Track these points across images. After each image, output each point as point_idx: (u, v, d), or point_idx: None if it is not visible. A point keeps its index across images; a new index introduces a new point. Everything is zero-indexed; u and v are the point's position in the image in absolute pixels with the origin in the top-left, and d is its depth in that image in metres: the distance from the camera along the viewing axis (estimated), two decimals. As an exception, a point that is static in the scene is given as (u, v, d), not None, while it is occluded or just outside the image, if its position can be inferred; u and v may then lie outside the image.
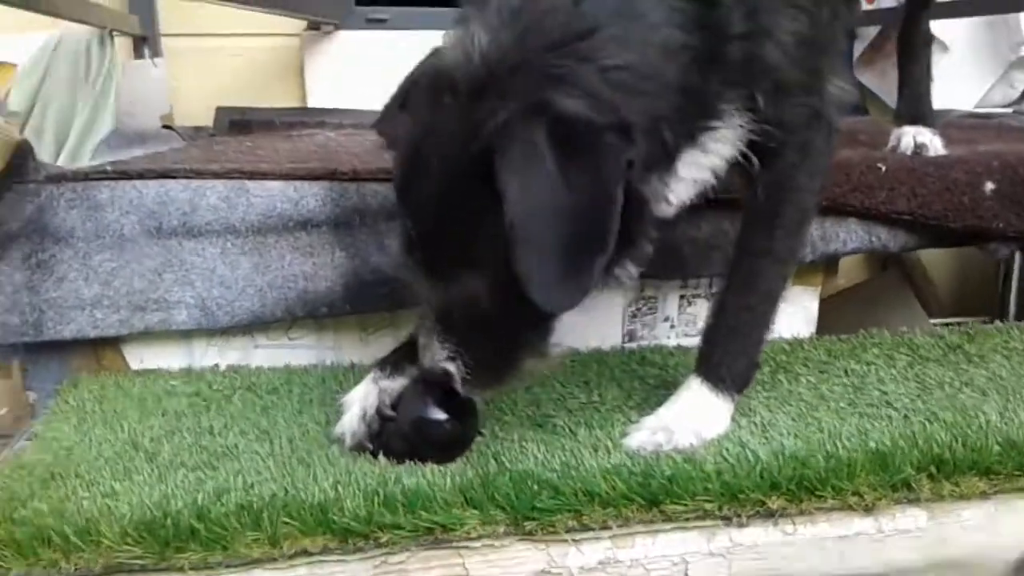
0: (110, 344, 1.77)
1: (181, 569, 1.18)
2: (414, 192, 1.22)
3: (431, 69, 1.24)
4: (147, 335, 1.75)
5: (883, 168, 1.90)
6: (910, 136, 2.04)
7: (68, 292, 1.67)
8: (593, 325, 1.88)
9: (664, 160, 1.24)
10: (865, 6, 3.58)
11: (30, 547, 1.16)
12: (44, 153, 2.72)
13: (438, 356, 1.28)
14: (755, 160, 1.35)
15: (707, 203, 1.71)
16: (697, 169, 1.32)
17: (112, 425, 1.51)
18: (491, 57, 1.16)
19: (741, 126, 1.32)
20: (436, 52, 1.26)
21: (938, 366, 1.73)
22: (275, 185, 1.77)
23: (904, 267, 3.24)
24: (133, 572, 1.18)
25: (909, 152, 2.01)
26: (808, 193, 1.43)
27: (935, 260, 3.28)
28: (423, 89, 1.23)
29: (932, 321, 2.83)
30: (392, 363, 1.44)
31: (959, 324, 2.13)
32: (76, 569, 1.16)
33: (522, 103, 1.11)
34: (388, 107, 1.34)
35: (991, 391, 1.59)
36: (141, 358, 1.78)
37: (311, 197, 1.76)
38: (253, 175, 1.78)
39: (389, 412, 1.38)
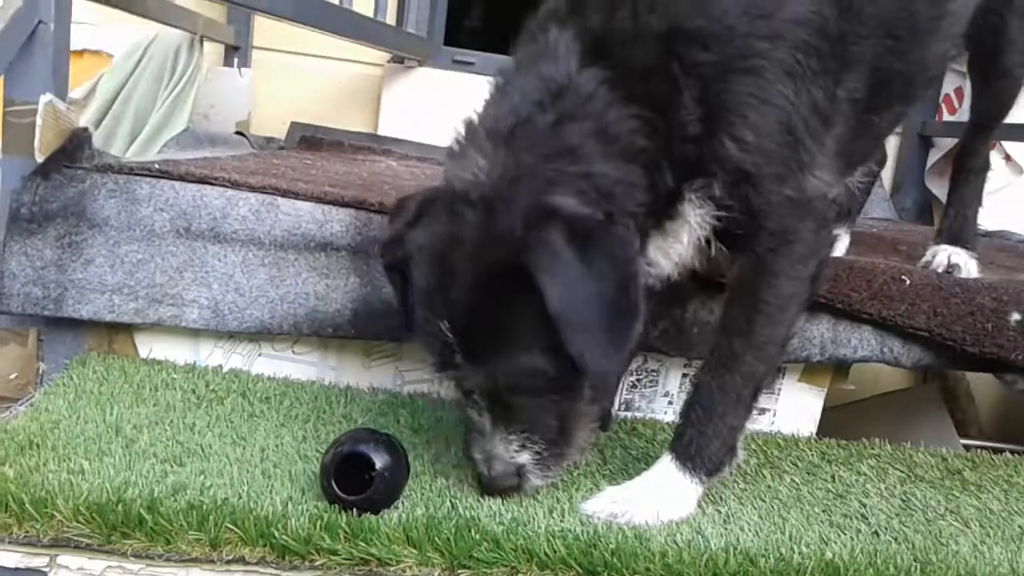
0: (124, 330, 1.85)
1: (123, 554, 1.23)
2: (446, 295, 1.34)
3: (443, 191, 1.39)
4: (159, 327, 1.82)
5: (907, 281, 1.87)
6: (945, 254, 2.01)
7: (92, 275, 1.76)
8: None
9: (641, 244, 1.40)
10: (947, 116, 3.56)
11: (-13, 508, 1.22)
12: (119, 140, 2.86)
13: (509, 452, 1.41)
14: (716, 244, 1.44)
15: (720, 289, 1.74)
16: (663, 250, 1.46)
17: (103, 407, 1.59)
18: (494, 173, 1.34)
19: (701, 213, 1.40)
20: (445, 180, 1.42)
21: (929, 488, 1.69)
22: (304, 206, 1.84)
23: (946, 382, 3.15)
24: (78, 549, 1.23)
25: (940, 270, 1.98)
26: (790, 280, 1.43)
27: (982, 379, 3.17)
28: (441, 206, 1.38)
29: (965, 443, 2.74)
30: None
31: (994, 450, 2.07)
32: (25, 536, 1.22)
33: (530, 206, 1.29)
34: (396, 230, 1.46)
35: (974, 522, 1.55)
36: (151, 347, 1.87)
37: (336, 222, 1.83)
38: (286, 193, 1.85)
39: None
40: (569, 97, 1.36)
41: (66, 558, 1.23)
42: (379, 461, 1.31)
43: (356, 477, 1.31)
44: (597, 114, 1.35)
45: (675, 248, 1.48)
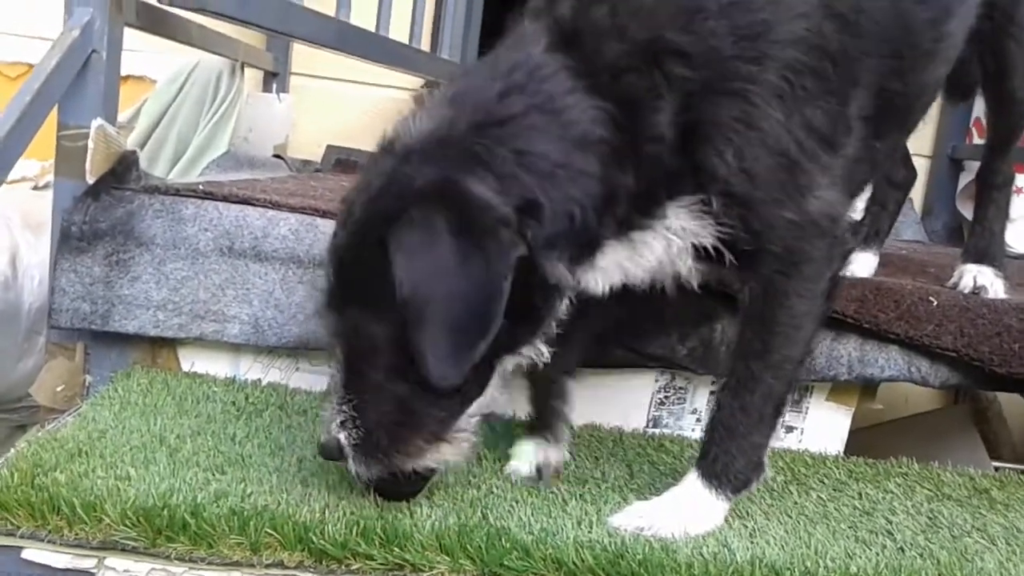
0: (167, 344, 1.92)
1: (167, 557, 1.28)
2: (335, 241, 1.33)
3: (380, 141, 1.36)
4: (201, 342, 1.89)
5: (935, 302, 1.89)
6: (971, 275, 2.01)
7: (139, 291, 1.83)
8: (619, 405, 1.93)
9: (583, 244, 1.33)
10: (977, 139, 3.57)
11: (40, 511, 1.28)
12: (163, 162, 2.95)
13: (332, 425, 1.33)
14: (729, 257, 1.39)
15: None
16: (624, 260, 1.40)
17: (147, 417, 1.65)
18: (426, 128, 1.30)
19: (692, 228, 1.37)
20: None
21: (956, 506, 1.70)
22: (342, 225, 1.89)
23: (977, 403, 3.14)
24: (125, 551, 1.28)
25: (967, 290, 1.99)
26: (801, 299, 1.42)
27: (1014, 401, 3.15)
28: (372, 152, 1.36)
29: (996, 465, 2.73)
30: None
31: (1024, 472, 2.07)
32: (76, 538, 1.28)
33: (434, 178, 1.23)
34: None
35: (1000, 540, 1.56)
36: (193, 362, 1.93)
37: (372, 241, 1.88)
38: (325, 213, 1.92)
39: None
40: (523, 71, 1.30)
41: (113, 560, 1.28)
42: None
43: None
44: (551, 94, 1.28)
45: (639, 261, 1.42)
